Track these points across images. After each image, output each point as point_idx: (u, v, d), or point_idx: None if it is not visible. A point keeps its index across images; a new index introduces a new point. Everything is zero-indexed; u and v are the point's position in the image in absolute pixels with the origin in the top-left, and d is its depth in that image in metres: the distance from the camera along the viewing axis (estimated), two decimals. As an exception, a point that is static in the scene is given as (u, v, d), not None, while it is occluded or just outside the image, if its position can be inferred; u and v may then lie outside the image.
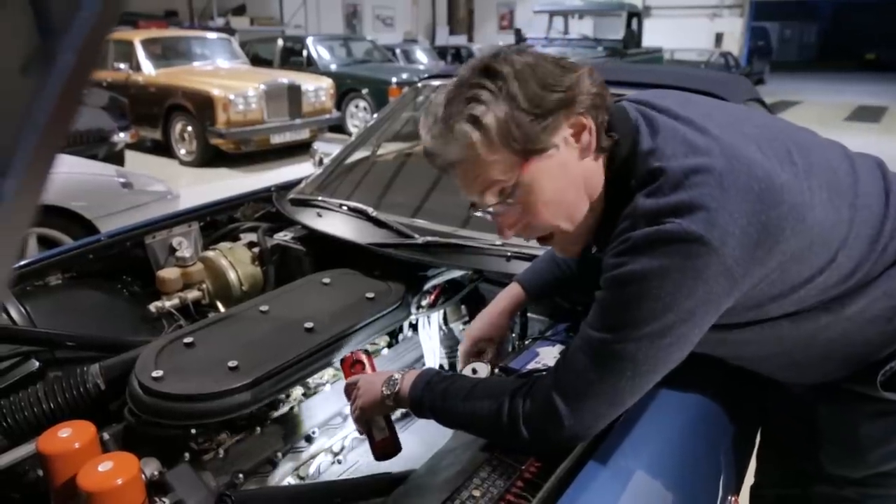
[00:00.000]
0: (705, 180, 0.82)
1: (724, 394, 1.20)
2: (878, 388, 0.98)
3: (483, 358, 1.26)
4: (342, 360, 1.26)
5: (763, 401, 1.32)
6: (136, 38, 7.84)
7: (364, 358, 1.24)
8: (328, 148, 2.56)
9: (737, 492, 1.28)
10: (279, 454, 1.28)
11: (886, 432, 1.03)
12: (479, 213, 0.97)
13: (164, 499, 0.98)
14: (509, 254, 1.46)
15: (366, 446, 1.36)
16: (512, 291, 1.32)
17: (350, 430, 1.41)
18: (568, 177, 0.92)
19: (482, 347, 1.28)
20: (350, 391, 1.15)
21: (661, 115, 0.94)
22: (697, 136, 0.89)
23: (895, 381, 0.98)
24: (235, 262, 1.75)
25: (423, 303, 1.61)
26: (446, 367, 1.65)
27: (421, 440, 1.34)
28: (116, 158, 5.34)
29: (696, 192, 0.82)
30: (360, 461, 1.38)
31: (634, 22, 12.56)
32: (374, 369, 1.22)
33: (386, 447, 1.13)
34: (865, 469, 1.07)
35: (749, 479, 1.39)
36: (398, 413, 1.38)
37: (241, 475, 1.18)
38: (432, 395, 0.99)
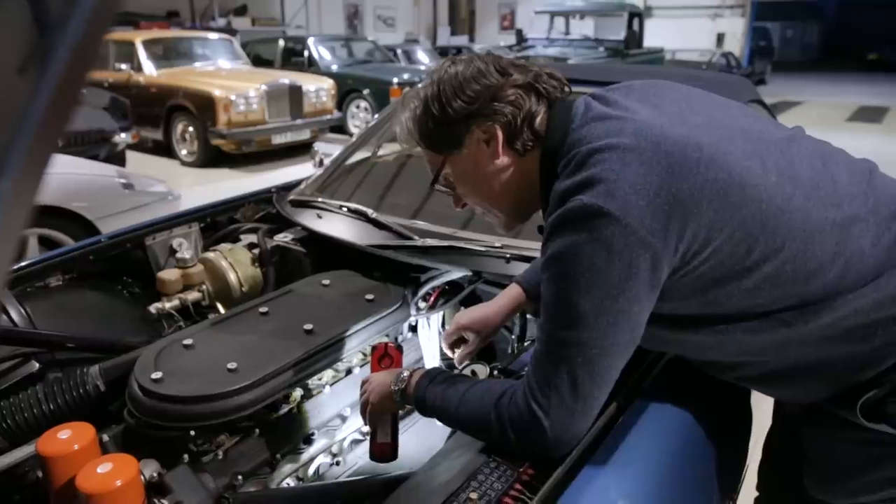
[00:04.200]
0: (607, 157, 0.85)
1: (716, 402, 1.20)
2: (858, 415, 0.94)
3: (463, 347, 1.27)
4: (373, 348, 1.25)
5: (749, 411, 1.31)
6: (138, 38, 7.85)
7: (394, 353, 1.23)
8: (329, 148, 2.57)
9: (732, 492, 1.27)
10: (278, 456, 1.28)
11: (867, 462, 0.99)
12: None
13: (163, 500, 0.98)
14: (508, 255, 1.46)
15: (365, 448, 1.36)
16: (511, 292, 1.32)
17: (349, 431, 1.41)
18: (480, 173, 1.02)
19: (466, 337, 1.28)
20: (365, 384, 1.16)
21: (602, 106, 0.95)
22: (618, 121, 0.90)
23: (877, 409, 0.93)
24: (235, 263, 1.75)
25: (423, 304, 1.61)
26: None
27: (420, 442, 1.34)
28: (118, 159, 5.34)
29: (596, 169, 0.84)
30: (359, 463, 1.38)
31: (636, 22, 12.52)
32: (400, 367, 1.21)
33: (384, 451, 1.13)
34: (845, 497, 1.05)
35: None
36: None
37: (240, 477, 1.18)
38: (433, 395, 1.00)
